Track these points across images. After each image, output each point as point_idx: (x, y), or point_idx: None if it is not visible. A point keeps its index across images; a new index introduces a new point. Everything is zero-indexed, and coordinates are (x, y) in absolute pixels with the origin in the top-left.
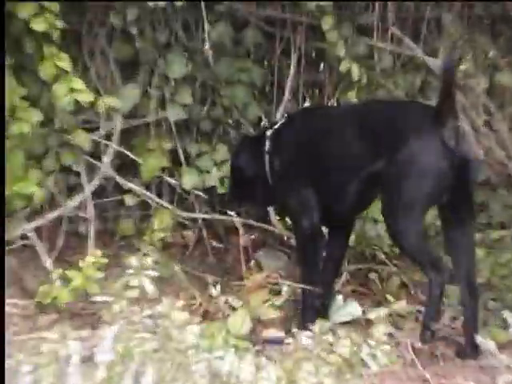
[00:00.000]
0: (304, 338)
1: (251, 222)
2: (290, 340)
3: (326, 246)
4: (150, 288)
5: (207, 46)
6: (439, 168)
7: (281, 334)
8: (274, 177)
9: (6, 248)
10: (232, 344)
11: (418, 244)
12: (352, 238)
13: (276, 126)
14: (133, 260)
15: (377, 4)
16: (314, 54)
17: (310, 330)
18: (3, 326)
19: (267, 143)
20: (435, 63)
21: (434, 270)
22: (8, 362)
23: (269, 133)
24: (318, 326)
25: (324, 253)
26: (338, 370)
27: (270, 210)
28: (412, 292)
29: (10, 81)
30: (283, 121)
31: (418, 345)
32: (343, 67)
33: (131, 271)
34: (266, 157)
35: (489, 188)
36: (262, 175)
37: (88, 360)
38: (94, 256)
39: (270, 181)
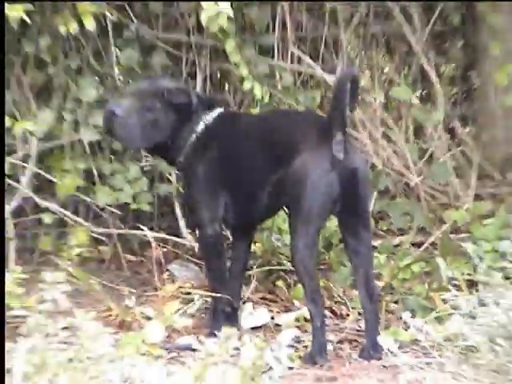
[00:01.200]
0: (211, 343)
1: (163, 235)
2: (199, 346)
3: (231, 252)
4: (63, 301)
5: (116, 70)
6: (328, 179)
7: (192, 340)
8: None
9: None
10: (145, 351)
11: (306, 262)
12: (259, 247)
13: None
14: (47, 275)
15: (276, 25)
16: (218, 75)
17: (216, 336)
18: (3, 327)
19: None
20: (333, 80)
21: (311, 302)
22: None
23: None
24: (225, 332)
25: (229, 259)
26: (245, 373)
27: (181, 222)
28: None
29: None
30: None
31: (327, 347)
32: (246, 86)
33: (45, 286)
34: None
35: (388, 196)
36: None
37: (7, 372)
38: (14, 272)
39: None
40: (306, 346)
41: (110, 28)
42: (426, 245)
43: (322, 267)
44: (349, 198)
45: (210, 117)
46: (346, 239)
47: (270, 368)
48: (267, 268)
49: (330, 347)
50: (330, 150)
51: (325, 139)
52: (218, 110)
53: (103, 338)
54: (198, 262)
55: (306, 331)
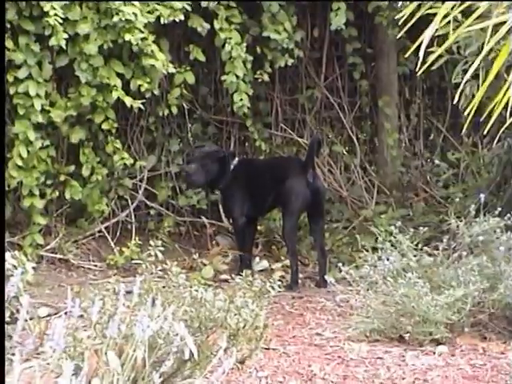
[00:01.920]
0: (237, 278)
1: (213, 221)
2: (233, 280)
3: (247, 229)
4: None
5: (189, 136)
6: (304, 193)
7: (228, 277)
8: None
9: None
10: (203, 283)
11: (291, 236)
12: (262, 227)
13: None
14: (151, 243)
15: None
16: (242, 138)
17: (241, 275)
18: (3, 324)
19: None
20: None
21: (291, 256)
22: None
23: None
24: (245, 272)
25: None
26: (255, 294)
27: (223, 216)
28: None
29: None
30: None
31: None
32: (257, 144)
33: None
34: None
35: (330, 202)
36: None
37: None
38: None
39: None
40: (287, 281)
41: (186, 113)
42: (348, 228)
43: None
44: (314, 204)
45: (235, 161)
46: (310, 225)
47: (268, 291)
48: (266, 239)
49: (300, 281)
50: (305, 177)
51: (303, 171)
52: (239, 158)
53: (181, 276)
54: (231, 235)
55: (287, 273)
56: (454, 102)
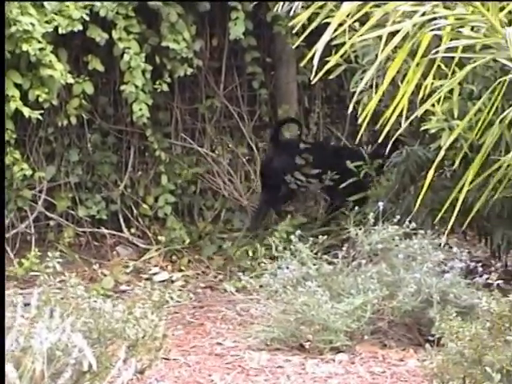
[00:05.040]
0: (136, 289)
1: (113, 232)
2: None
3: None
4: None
5: None
6: None
7: (128, 287)
8: None
9: None
10: (102, 293)
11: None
12: None
13: None
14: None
15: None
16: None
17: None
18: (3, 326)
19: None
20: None
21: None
22: None
23: None
24: (144, 283)
25: None
26: (154, 304)
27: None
28: None
29: None
30: None
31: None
32: None
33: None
34: None
35: (231, 211)
36: None
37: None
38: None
39: None
40: (188, 290)
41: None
42: (248, 237)
43: None
44: None
45: None
46: None
47: (167, 301)
48: (167, 249)
49: (200, 290)
50: None
51: None
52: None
53: (79, 287)
54: (131, 246)
55: (188, 283)
56: (349, 111)
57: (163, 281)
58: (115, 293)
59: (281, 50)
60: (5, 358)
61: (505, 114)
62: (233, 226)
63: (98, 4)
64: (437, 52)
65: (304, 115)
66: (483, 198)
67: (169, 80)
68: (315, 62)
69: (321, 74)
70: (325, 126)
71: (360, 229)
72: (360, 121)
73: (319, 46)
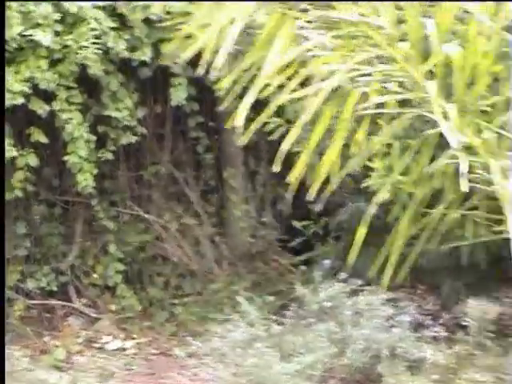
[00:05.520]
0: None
1: (64, 303)
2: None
3: None
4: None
5: None
6: None
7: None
8: None
9: None
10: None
11: None
12: None
13: None
14: None
15: None
16: None
17: None
18: (3, 324)
19: None
20: None
21: None
22: None
23: None
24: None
25: None
26: (101, 374)
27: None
28: None
29: None
30: None
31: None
32: None
33: None
34: None
35: (181, 276)
36: None
37: None
38: None
39: None
40: (142, 358)
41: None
42: (198, 302)
43: None
44: None
45: None
46: None
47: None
48: (119, 317)
49: (153, 357)
50: None
51: None
52: None
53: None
54: (83, 316)
55: (141, 349)
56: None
57: (116, 349)
58: (67, 363)
59: (224, 113)
60: (5, 357)
61: (433, 166)
62: (183, 292)
63: (38, 76)
64: (365, 108)
65: (250, 177)
66: (417, 249)
67: (113, 148)
68: (239, 122)
69: (246, 135)
70: (271, 186)
71: (307, 288)
72: (288, 179)
73: (243, 107)
